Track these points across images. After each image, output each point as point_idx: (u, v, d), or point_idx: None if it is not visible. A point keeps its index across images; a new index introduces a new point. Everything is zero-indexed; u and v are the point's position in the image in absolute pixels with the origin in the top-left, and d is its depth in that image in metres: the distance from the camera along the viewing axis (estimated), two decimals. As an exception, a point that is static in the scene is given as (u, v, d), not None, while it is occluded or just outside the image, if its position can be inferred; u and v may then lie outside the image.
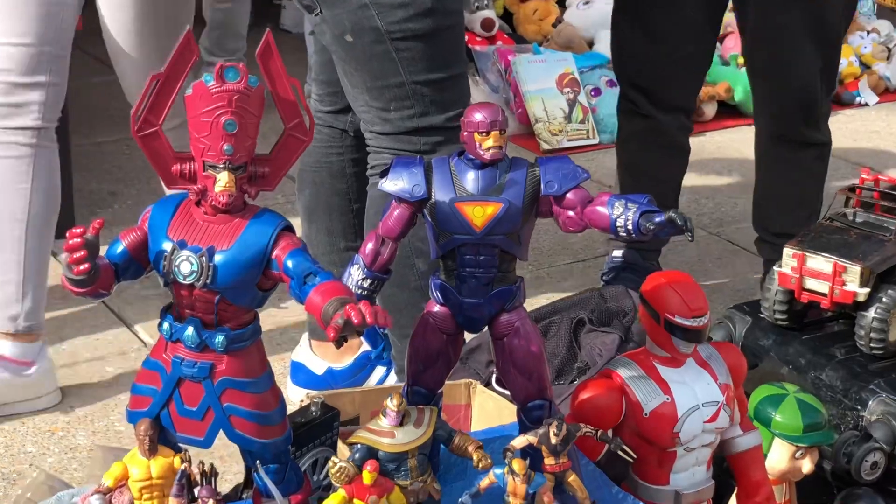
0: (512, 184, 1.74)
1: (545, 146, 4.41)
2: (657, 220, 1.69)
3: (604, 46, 4.77)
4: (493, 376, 2.42)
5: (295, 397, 2.78)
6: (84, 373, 2.99)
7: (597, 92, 4.63)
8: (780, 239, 3.04)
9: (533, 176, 1.75)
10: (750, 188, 3.34)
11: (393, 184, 1.76)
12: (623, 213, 1.71)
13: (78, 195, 3.82)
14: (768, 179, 3.23)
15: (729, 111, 4.76)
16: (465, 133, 1.73)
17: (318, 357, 2.84)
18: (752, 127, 3.28)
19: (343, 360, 2.84)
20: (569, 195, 1.74)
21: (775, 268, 2.50)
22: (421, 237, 1.85)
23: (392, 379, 2.78)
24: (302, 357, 2.87)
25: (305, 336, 2.89)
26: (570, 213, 1.74)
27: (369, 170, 2.47)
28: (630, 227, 1.71)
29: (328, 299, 1.53)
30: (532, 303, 2.99)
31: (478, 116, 1.72)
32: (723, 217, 3.96)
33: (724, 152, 4.47)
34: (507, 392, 2.18)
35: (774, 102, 3.14)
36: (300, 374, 2.86)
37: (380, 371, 2.85)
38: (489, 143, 1.72)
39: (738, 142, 4.48)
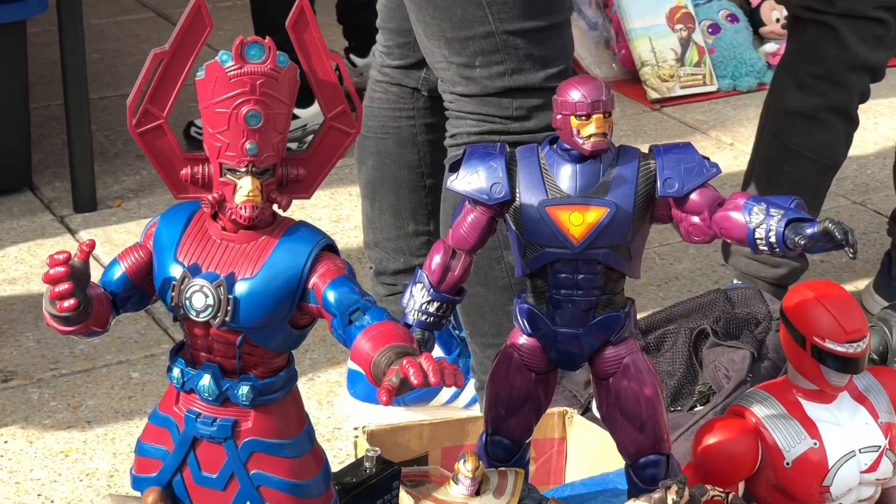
0: (620, 182, 1.64)
1: (653, 94, 4.40)
2: (809, 231, 1.57)
3: (724, -28, 4.81)
4: (594, 400, 2.28)
5: (352, 414, 2.72)
6: (104, 380, 2.92)
7: (715, 29, 4.59)
8: None
9: (647, 171, 1.66)
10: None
11: (466, 181, 1.68)
12: (764, 222, 1.60)
13: (100, 159, 3.80)
14: None
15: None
16: (559, 116, 1.65)
17: (380, 365, 2.73)
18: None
19: (410, 368, 2.72)
20: (693, 196, 1.64)
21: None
22: None
23: (468, 394, 2.69)
24: (361, 364, 2.75)
25: (366, 338, 2.77)
26: (695, 219, 1.65)
27: (448, 139, 2.36)
28: (773, 239, 1.60)
29: (380, 347, 1.44)
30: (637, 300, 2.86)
31: (575, 95, 1.63)
32: (868, 182, 3.84)
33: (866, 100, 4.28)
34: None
35: None
36: (359, 384, 2.77)
37: (455, 383, 2.72)
38: (590, 129, 1.62)
39: (886, 87, 4.29)
